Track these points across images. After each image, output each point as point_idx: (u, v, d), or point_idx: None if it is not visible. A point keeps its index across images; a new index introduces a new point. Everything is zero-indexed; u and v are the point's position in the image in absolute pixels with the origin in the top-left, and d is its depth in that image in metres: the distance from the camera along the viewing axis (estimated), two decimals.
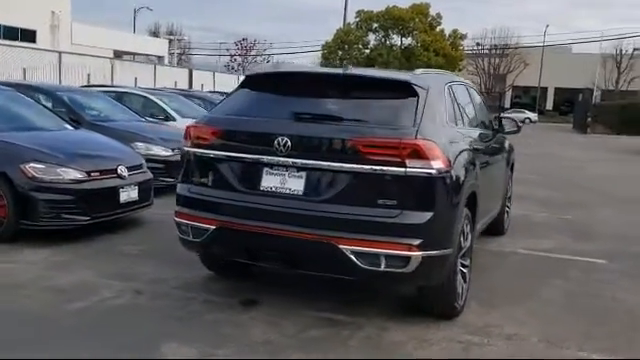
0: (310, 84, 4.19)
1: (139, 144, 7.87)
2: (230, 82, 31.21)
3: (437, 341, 3.67)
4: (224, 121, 4.02)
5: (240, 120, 3.97)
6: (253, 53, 58.60)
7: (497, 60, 58.19)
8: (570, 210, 8.58)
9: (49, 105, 7.89)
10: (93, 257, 5.09)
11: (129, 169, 6.01)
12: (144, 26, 62.39)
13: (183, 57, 58.33)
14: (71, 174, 5.46)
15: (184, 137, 4.19)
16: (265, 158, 3.76)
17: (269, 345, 3.51)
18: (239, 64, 58.29)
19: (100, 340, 3.48)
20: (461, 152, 4.00)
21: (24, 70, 17.74)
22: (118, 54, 34.11)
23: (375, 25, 49.71)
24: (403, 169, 3.49)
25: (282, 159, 3.71)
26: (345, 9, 44.94)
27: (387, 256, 3.50)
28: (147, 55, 40.76)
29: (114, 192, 5.75)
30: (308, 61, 54.64)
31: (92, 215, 5.54)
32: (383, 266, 3.52)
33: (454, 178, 3.73)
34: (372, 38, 50.50)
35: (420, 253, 3.50)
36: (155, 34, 55.72)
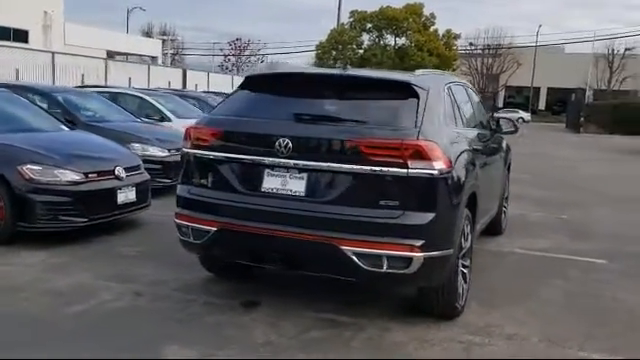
0: (310, 85, 4.19)
1: (135, 145, 7.84)
2: (224, 82, 31.18)
3: (438, 341, 3.67)
4: (225, 122, 4.01)
5: (241, 121, 3.96)
6: (247, 53, 58.61)
7: (490, 60, 58.38)
8: (566, 210, 8.62)
9: (44, 106, 7.84)
10: (91, 259, 5.06)
11: (126, 170, 5.98)
12: (137, 26, 62.16)
13: (176, 57, 58.19)
14: (68, 176, 5.43)
15: (184, 138, 4.18)
16: (266, 159, 3.75)
17: (271, 346, 3.50)
18: (233, 64, 58.27)
19: (100, 343, 3.46)
20: (462, 153, 4.01)
21: (17, 71, 17.62)
22: (111, 54, 33.94)
23: (369, 25, 49.73)
24: (405, 170, 3.49)
25: (283, 160, 3.70)
26: (339, 9, 45.05)
27: (389, 257, 3.50)
28: (140, 55, 40.59)
29: (112, 193, 5.73)
30: (302, 61, 54.72)
31: (90, 217, 5.51)
32: (385, 267, 3.52)
33: (455, 179, 3.74)
34: (366, 38, 50.58)
35: (422, 254, 3.50)
36: (148, 34, 55.51)
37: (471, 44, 57.63)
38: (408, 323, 3.90)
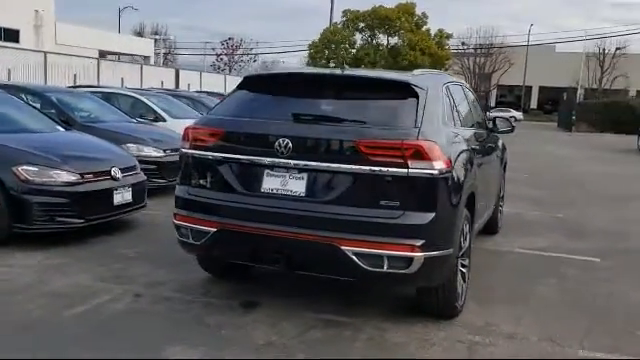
0: (309, 85, 4.18)
1: (130, 145, 7.81)
2: (217, 82, 31.11)
3: (439, 341, 3.68)
4: (224, 123, 4.00)
5: (240, 122, 3.95)
6: (239, 52, 58.51)
7: (482, 59, 58.60)
8: (561, 208, 8.66)
9: (38, 106, 7.78)
10: (88, 260, 5.03)
11: (122, 171, 5.96)
12: (129, 26, 61.89)
13: (169, 57, 57.99)
14: (64, 176, 5.40)
15: (182, 139, 4.16)
16: (266, 159, 3.75)
17: (272, 347, 3.50)
18: (225, 63, 58.15)
19: (102, 345, 3.45)
20: (461, 152, 4.02)
21: (9, 71, 17.49)
22: (103, 54, 33.75)
23: (361, 25, 49.75)
24: (405, 170, 3.50)
25: (283, 160, 3.69)
26: (332, 9, 45.03)
27: (390, 257, 3.51)
28: (132, 55, 40.39)
29: (108, 194, 5.70)
30: (295, 61, 54.68)
31: (86, 218, 5.48)
32: (386, 267, 3.52)
33: (455, 178, 3.74)
34: (359, 38, 50.58)
35: (423, 254, 3.51)
36: (140, 34, 55.29)
37: (463, 43, 57.85)
38: (407, 323, 3.91)
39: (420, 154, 3.51)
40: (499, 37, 58.47)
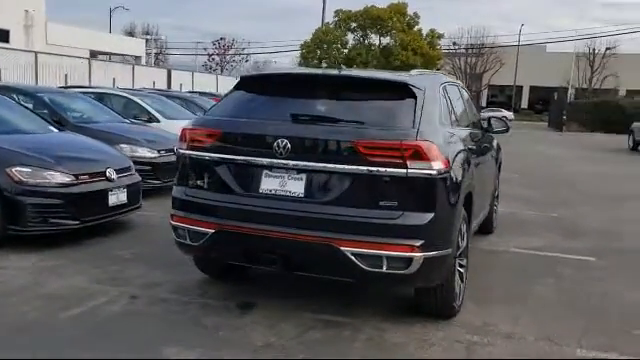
0: (306, 85, 4.17)
1: (124, 146, 7.76)
2: (209, 82, 31.00)
3: (437, 341, 3.68)
4: (221, 123, 3.98)
5: (238, 122, 3.93)
6: (231, 52, 58.37)
7: (473, 59, 58.80)
8: (555, 208, 8.71)
9: (30, 107, 7.72)
10: (83, 262, 4.99)
11: (117, 172, 5.92)
12: (120, 26, 61.58)
13: (160, 57, 57.75)
14: (58, 177, 5.36)
15: (179, 139, 4.13)
16: (264, 160, 3.73)
17: (271, 348, 3.48)
18: (217, 63, 57.99)
19: (99, 347, 3.42)
20: (458, 152, 4.02)
21: (0, 71, 17.35)
22: (94, 54, 33.52)
23: (353, 24, 49.77)
24: (404, 170, 3.49)
25: (282, 161, 3.68)
26: (324, 9, 45.01)
27: (389, 257, 3.50)
28: (123, 55, 40.17)
29: (103, 195, 5.66)
30: (287, 61, 54.61)
31: (81, 219, 5.45)
32: (385, 267, 3.52)
33: (453, 179, 3.75)
34: (351, 37, 50.58)
35: (422, 254, 3.51)
36: (131, 34, 54.99)
37: (454, 43, 58.02)
38: (406, 323, 3.91)
39: (419, 154, 3.51)
40: (490, 37, 58.71)
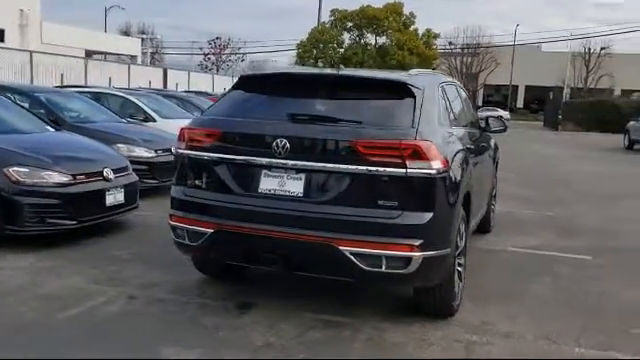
0: (305, 85, 4.17)
1: (121, 146, 7.73)
2: (205, 82, 30.95)
3: (437, 341, 3.69)
4: (220, 123, 3.97)
5: (237, 122, 3.93)
6: (227, 52, 58.27)
7: (469, 59, 58.91)
8: (551, 207, 8.74)
9: (26, 106, 7.69)
10: (81, 262, 4.97)
11: (115, 171, 5.91)
12: (115, 25, 61.17)
13: (156, 56, 57.59)
14: (56, 177, 5.34)
15: (178, 139, 4.12)
16: (264, 160, 3.73)
17: (271, 348, 3.48)
18: (213, 63, 57.89)
19: (96, 347, 3.41)
20: (457, 152, 4.03)
21: None
22: (90, 53, 33.41)
23: (350, 24, 49.82)
24: (404, 170, 3.50)
25: (281, 161, 3.68)
26: (319, 8, 44.96)
27: (388, 257, 3.51)
28: (119, 54, 40.05)
29: (100, 195, 5.65)
30: (283, 60, 54.60)
31: (78, 219, 5.43)
32: (384, 267, 3.52)
33: (452, 178, 3.75)
34: (347, 37, 50.63)
35: (421, 254, 3.51)
36: (126, 33, 54.81)
37: (450, 43, 58.11)
38: (405, 323, 3.91)
39: (418, 154, 3.51)
40: (486, 37, 58.85)
